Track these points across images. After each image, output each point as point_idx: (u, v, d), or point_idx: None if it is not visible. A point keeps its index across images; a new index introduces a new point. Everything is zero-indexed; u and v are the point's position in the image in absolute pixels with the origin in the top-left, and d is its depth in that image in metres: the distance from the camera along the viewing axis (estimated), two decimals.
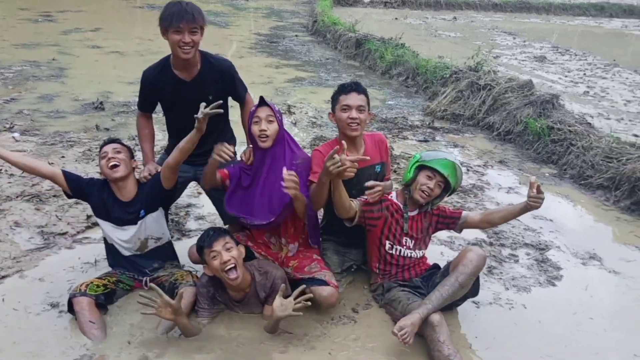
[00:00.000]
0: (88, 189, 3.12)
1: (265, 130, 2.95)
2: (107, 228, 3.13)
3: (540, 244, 4.08)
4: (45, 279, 3.30)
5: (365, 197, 3.08)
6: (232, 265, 2.76)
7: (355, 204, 3.08)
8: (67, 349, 2.70)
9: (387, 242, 3.17)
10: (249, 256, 3.07)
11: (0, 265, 3.39)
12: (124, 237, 3.11)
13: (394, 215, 3.16)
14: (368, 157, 2.92)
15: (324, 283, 2.94)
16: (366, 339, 2.92)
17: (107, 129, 6.00)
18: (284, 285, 2.77)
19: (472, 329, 3.06)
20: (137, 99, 3.38)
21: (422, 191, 3.05)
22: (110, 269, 3.22)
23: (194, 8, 3.00)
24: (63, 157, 5.14)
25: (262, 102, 3.03)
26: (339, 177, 2.71)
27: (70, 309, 2.88)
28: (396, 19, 15.46)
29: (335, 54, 10.86)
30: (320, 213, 3.53)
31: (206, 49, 3.27)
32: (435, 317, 2.73)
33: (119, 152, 3.04)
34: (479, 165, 5.57)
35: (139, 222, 3.09)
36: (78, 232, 3.86)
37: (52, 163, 4.82)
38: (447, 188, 3.10)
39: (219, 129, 3.32)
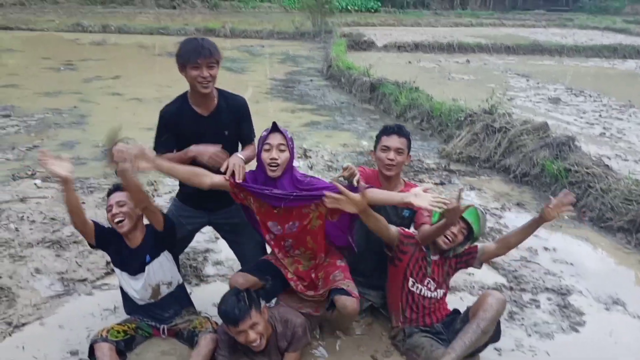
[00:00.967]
0: (109, 239, 3.14)
1: (276, 159, 2.87)
2: (123, 277, 3.15)
3: (561, 288, 4.01)
4: (64, 326, 3.31)
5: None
6: (258, 342, 2.78)
7: (394, 229, 3.14)
8: None
9: (411, 278, 3.16)
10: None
11: (20, 312, 3.42)
12: (137, 286, 3.12)
13: (418, 256, 3.17)
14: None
15: (346, 293, 2.92)
16: None
17: None
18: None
19: None
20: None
21: (446, 237, 3.06)
22: (128, 316, 3.23)
23: (210, 43, 3.07)
24: (83, 202, 5.14)
25: (275, 128, 2.95)
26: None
27: (91, 354, 2.88)
28: (410, 62, 15.64)
29: (350, 98, 10.99)
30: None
31: None
32: None
33: (122, 205, 3.02)
34: (496, 208, 5.54)
35: (147, 268, 3.10)
36: (97, 279, 3.88)
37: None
38: (470, 235, 3.11)
39: None
